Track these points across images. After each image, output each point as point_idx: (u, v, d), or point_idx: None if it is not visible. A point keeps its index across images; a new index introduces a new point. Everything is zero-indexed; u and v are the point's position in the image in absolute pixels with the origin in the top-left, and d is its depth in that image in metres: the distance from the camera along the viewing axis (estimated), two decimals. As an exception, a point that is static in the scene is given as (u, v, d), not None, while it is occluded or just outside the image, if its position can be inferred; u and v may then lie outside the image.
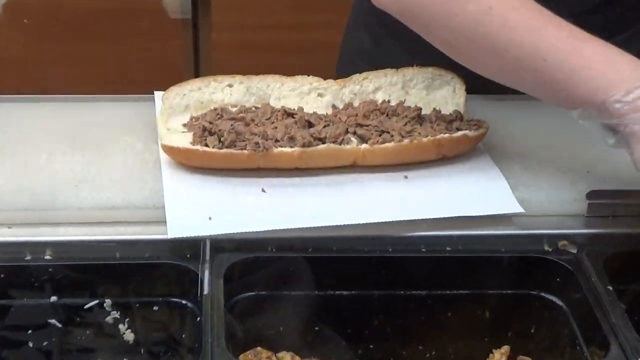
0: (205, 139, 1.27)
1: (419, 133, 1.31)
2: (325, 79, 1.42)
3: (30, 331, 1.18)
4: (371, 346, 1.23)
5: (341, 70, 1.69)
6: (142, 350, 1.19)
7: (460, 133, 1.32)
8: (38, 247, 1.15)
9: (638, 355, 1.04)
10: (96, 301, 1.17)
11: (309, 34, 2.65)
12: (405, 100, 1.40)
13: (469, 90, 1.42)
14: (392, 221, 1.21)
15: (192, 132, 1.30)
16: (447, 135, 1.31)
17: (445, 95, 1.41)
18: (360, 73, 1.43)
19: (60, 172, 1.28)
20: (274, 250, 1.18)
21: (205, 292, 1.12)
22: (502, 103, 1.50)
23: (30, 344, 1.18)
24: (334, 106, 1.38)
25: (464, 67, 1.37)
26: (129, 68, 2.67)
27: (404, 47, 1.54)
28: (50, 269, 1.15)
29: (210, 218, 1.21)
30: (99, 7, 2.59)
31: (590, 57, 1.21)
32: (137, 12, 2.50)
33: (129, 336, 1.18)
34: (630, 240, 1.24)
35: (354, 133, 1.31)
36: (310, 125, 1.31)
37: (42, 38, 2.67)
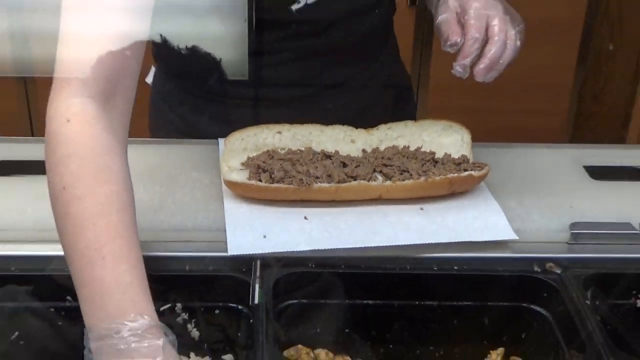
0: (259, 175, 1.32)
1: (433, 172, 1.35)
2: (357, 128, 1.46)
3: None
4: (391, 346, 1.26)
5: None
6: (205, 345, 1.21)
7: (466, 173, 1.35)
8: None
9: (610, 357, 1.07)
10: (169, 305, 1.20)
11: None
12: (421, 146, 1.43)
13: (474, 139, 1.45)
14: (410, 244, 1.26)
15: (249, 170, 1.34)
16: (456, 174, 1.34)
17: (454, 142, 1.43)
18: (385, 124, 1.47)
19: (142, 201, 1.29)
20: (313, 266, 1.22)
21: (256, 300, 1.15)
22: (501, 150, 1.53)
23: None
24: (363, 150, 1.42)
25: (470, 121, 1.45)
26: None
27: None
28: None
29: (262, 239, 1.25)
30: None
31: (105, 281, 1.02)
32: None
33: (195, 334, 1.21)
34: (605, 263, 1.28)
35: (380, 172, 1.35)
36: (344, 165, 1.35)
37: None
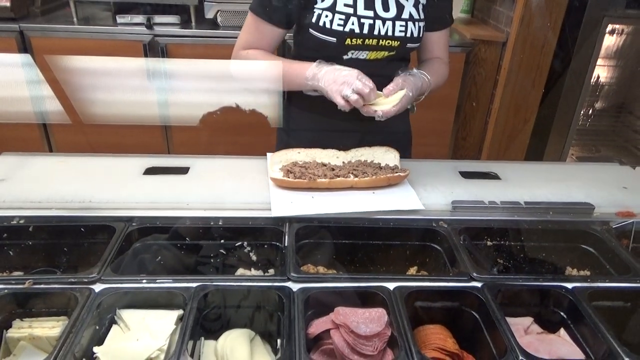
0: (288, 175, 1.32)
1: (379, 174, 1.34)
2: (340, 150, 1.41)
3: (212, 254, 1.20)
4: (357, 265, 1.25)
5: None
6: (259, 264, 1.21)
7: (397, 174, 1.35)
8: (216, 219, 1.20)
9: (473, 271, 1.07)
10: (240, 242, 1.21)
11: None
12: (374, 159, 1.42)
13: (401, 156, 1.43)
14: (367, 211, 1.25)
15: (283, 172, 1.35)
16: (391, 175, 1.34)
17: (391, 158, 1.41)
18: (355, 148, 1.42)
19: (226, 187, 1.33)
20: (316, 222, 1.22)
21: (286, 239, 1.16)
22: (414, 162, 1.51)
23: (211, 261, 1.20)
24: (343, 162, 1.40)
25: (397, 146, 1.42)
26: (249, 148, 2.71)
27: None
28: (221, 229, 1.20)
29: (289, 207, 1.24)
30: (240, 121, 2.60)
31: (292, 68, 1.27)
32: (254, 124, 2.55)
33: (254, 258, 1.22)
34: (470, 222, 1.26)
35: (352, 173, 1.35)
36: (333, 169, 1.36)
37: (215, 133, 2.71)
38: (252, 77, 1.37)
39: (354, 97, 1.23)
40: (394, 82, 1.29)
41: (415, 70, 1.37)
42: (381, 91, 1.28)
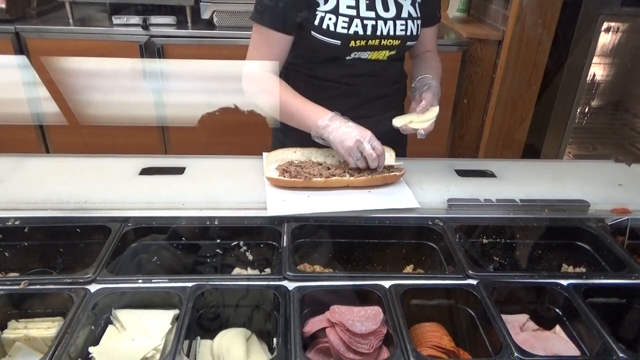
0: (284, 174, 1.32)
1: (375, 173, 1.34)
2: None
3: (208, 254, 1.20)
4: (353, 264, 1.24)
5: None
6: (255, 264, 1.21)
7: (393, 173, 1.35)
8: (212, 219, 1.20)
9: (468, 269, 1.06)
10: (236, 242, 1.21)
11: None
12: None
13: (397, 155, 1.42)
14: (363, 209, 1.25)
15: (278, 171, 1.34)
16: (387, 174, 1.34)
17: (387, 157, 1.38)
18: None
19: (222, 187, 1.32)
20: (312, 221, 1.21)
21: (284, 243, 1.15)
22: (410, 161, 1.51)
23: (208, 260, 1.20)
24: (339, 161, 1.39)
25: (393, 145, 1.41)
26: (245, 148, 2.68)
27: None
28: (217, 228, 1.19)
29: (285, 207, 1.23)
30: (237, 121, 2.61)
31: (306, 109, 1.29)
32: (252, 124, 2.52)
33: (250, 257, 1.21)
34: (466, 220, 1.26)
35: (348, 172, 1.34)
36: (329, 169, 1.35)
37: (212, 133, 2.71)
38: (261, 105, 1.38)
39: (361, 164, 1.29)
40: (425, 99, 1.33)
41: (428, 78, 1.41)
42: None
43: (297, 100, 1.32)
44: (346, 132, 1.27)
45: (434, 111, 1.32)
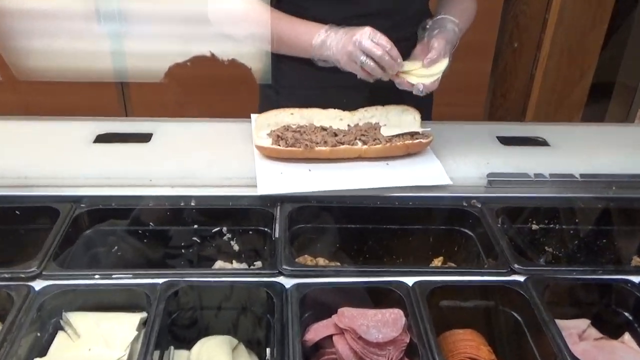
0: (279, 142, 1.32)
1: (396, 140, 1.35)
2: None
3: (182, 244, 1.22)
4: (367, 256, 1.26)
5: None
6: (242, 255, 1.23)
7: (417, 140, 1.35)
8: (187, 198, 1.22)
9: (514, 262, 1.08)
10: (218, 228, 1.22)
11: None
12: (388, 121, 1.41)
13: (422, 117, 1.43)
14: (379, 187, 1.25)
15: (272, 138, 1.35)
16: (410, 141, 1.34)
17: (410, 120, 1.41)
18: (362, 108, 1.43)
19: (199, 158, 1.34)
20: (315, 202, 1.23)
21: (277, 224, 1.16)
22: (440, 125, 1.50)
23: (182, 251, 1.22)
24: (348, 125, 1.40)
25: (422, 107, 1.43)
26: (227, 109, 2.73)
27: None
28: (194, 210, 1.21)
29: (280, 184, 1.24)
30: (216, 75, 2.62)
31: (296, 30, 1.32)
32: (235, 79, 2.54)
33: (236, 247, 1.23)
34: (511, 200, 1.27)
35: (360, 139, 1.35)
36: (335, 135, 1.36)
37: (184, 91, 2.73)
38: (237, 32, 1.38)
39: (369, 64, 1.25)
40: (435, 46, 1.31)
41: (447, 20, 1.38)
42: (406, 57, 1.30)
43: (283, 23, 1.33)
44: (345, 39, 1.27)
45: (442, 64, 1.31)
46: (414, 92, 1.30)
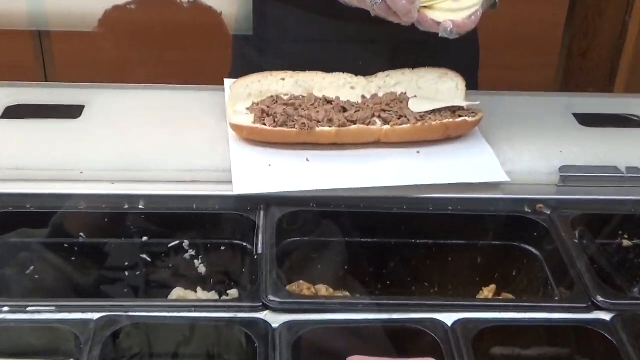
0: (264, 119, 1.32)
1: (430, 118, 1.35)
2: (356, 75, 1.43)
3: (126, 264, 1.22)
4: (388, 282, 1.26)
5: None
6: (211, 280, 1.22)
7: (461, 119, 1.35)
8: (134, 199, 1.22)
9: (597, 294, 1.08)
10: (177, 242, 1.21)
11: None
12: (419, 91, 1.42)
13: (468, 87, 1.43)
14: (406, 185, 1.26)
15: (254, 114, 1.34)
16: (451, 120, 1.34)
17: (449, 90, 1.41)
18: (383, 72, 1.43)
19: (151, 142, 1.34)
20: (314, 206, 1.22)
21: (261, 236, 1.16)
22: (493, 98, 1.51)
23: (126, 274, 1.22)
24: (363, 96, 1.40)
25: (464, 70, 1.44)
26: (189, 72, 2.71)
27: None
28: (142, 216, 1.21)
29: (266, 179, 1.25)
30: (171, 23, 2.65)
31: None
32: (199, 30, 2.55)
33: (202, 270, 1.22)
34: (593, 204, 1.28)
35: (379, 117, 1.34)
36: (344, 110, 1.35)
37: (128, 46, 2.74)
38: None
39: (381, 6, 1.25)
40: None
41: None
42: None
43: None
44: None
45: None
46: (439, 34, 1.28)
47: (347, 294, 1.20)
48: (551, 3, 2.84)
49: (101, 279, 1.22)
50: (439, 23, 1.27)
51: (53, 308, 1.04)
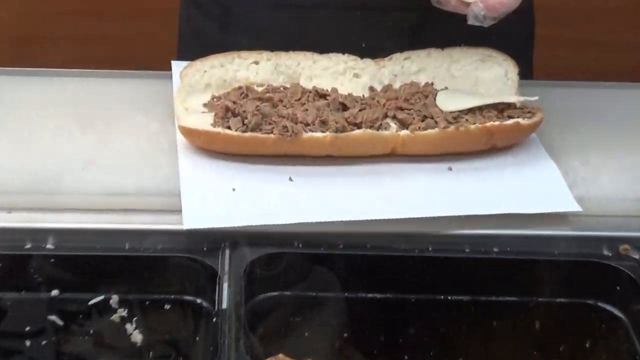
0: (228, 121, 1.31)
1: (467, 120, 1.34)
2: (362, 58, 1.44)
3: (28, 328, 1.20)
4: (406, 357, 1.26)
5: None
6: (150, 353, 1.21)
7: (512, 121, 1.35)
8: (39, 234, 1.19)
9: None
10: (102, 297, 1.20)
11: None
12: (454, 79, 1.44)
13: (521, 75, 1.44)
14: (433, 217, 1.24)
15: (214, 113, 1.34)
16: (497, 122, 1.34)
17: (496, 78, 1.43)
18: (400, 52, 1.45)
19: (65, 153, 1.33)
20: (300, 245, 1.21)
21: (224, 290, 1.15)
22: (560, 90, 1.54)
23: (28, 343, 1.21)
24: (371, 88, 1.42)
25: (515, 50, 1.45)
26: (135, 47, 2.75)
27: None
28: (52, 260, 1.18)
29: (230, 208, 1.24)
30: None
31: None
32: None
33: (137, 337, 1.20)
34: None
35: (394, 117, 1.35)
36: (344, 108, 1.35)
37: (41, 13, 2.76)
38: None
39: None
40: None
41: None
42: None
43: None
44: None
45: None
46: (469, 21, 1.30)
47: (347, 374, 1.20)
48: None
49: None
50: (467, 5, 1.30)
51: None
